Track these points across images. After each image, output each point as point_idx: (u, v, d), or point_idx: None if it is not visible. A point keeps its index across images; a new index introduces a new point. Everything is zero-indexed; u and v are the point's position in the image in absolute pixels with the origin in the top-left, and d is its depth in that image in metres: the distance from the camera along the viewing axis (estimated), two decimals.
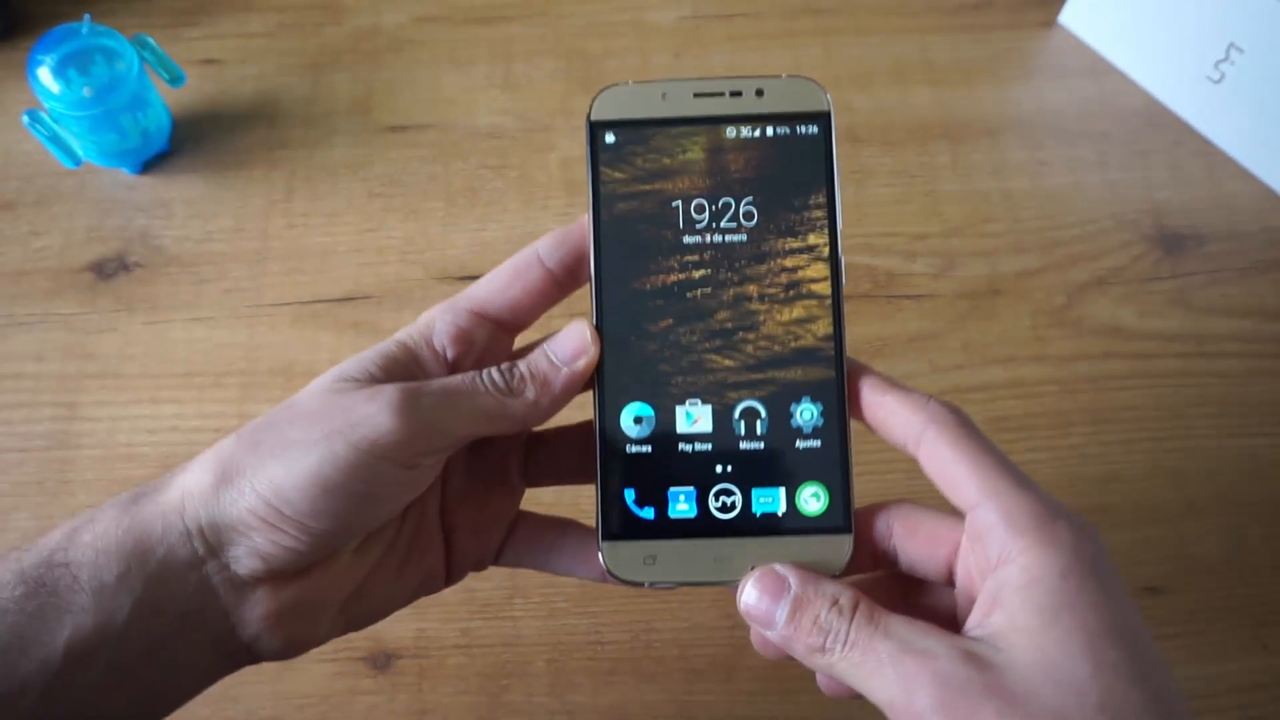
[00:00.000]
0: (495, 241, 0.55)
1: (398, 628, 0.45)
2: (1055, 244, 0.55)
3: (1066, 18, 0.62)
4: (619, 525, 0.30)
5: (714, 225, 0.31)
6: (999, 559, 0.26)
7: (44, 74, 0.51)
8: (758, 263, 0.31)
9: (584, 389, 0.31)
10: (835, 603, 0.27)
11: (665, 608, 0.46)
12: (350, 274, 0.54)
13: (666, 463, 0.30)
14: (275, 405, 0.28)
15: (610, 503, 0.30)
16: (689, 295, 0.31)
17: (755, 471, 0.30)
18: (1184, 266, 0.55)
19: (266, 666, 0.44)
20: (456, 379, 0.29)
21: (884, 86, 0.60)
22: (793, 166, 0.31)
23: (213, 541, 0.28)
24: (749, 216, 0.31)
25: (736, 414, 0.30)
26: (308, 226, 0.55)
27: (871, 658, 0.25)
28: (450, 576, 0.33)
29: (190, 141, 0.58)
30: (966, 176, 0.57)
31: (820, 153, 0.31)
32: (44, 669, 0.26)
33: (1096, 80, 0.61)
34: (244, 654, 0.29)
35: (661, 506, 0.30)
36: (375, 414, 0.27)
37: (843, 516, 0.30)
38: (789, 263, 0.31)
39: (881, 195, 0.57)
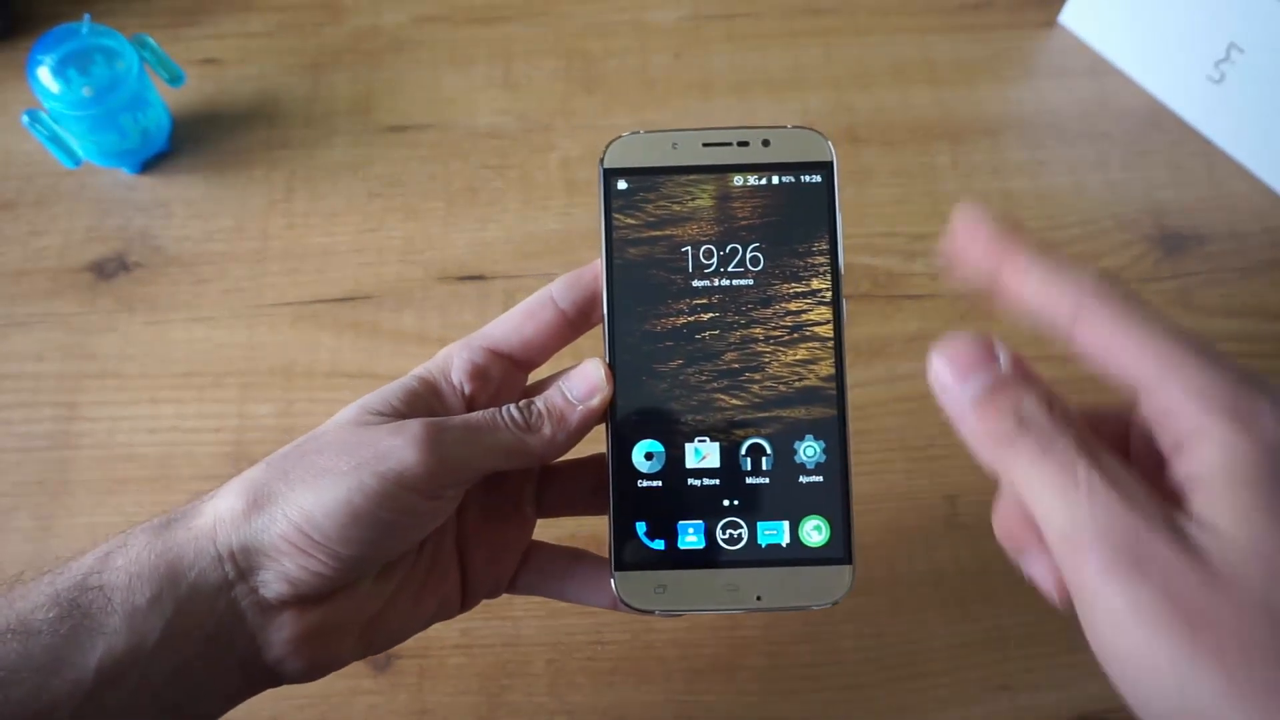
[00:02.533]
0: (495, 241, 0.55)
1: None
2: (1056, 244, 0.55)
3: (1066, 18, 0.62)
4: (631, 556, 0.31)
5: (721, 270, 0.32)
6: (1190, 440, 0.22)
7: (44, 74, 0.51)
8: (763, 306, 0.32)
9: (598, 423, 0.32)
10: (1045, 399, 0.24)
11: None
12: (350, 274, 0.54)
13: (676, 497, 0.31)
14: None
15: (622, 535, 0.31)
16: (698, 337, 0.32)
17: (761, 505, 0.31)
18: (1184, 266, 0.55)
19: None
20: (477, 416, 0.30)
21: (884, 86, 0.60)
22: (797, 214, 0.32)
23: (243, 566, 0.28)
24: (755, 262, 0.32)
25: (743, 451, 0.32)
26: (308, 226, 0.55)
27: (1067, 477, 0.22)
28: (465, 603, 0.34)
29: (190, 141, 0.58)
30: (966, 176, 0.57)
31: (824, 200, 0.32)
32: (75, 689, 0.26)
33: (1096, 80, 0.61)
34: (268, 676, 0.30)
35: (671, 538, 0.31)
36: (401, 448, 0.28)
37: (843, 548, 0.31)
38: (793, 306, 0.32)
39: (881, 195, 0.57)
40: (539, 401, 0.31)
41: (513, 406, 0.31)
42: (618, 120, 0.59)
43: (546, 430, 0.30)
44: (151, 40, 0.55)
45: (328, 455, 0.29)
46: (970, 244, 0.26)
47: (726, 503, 0.31)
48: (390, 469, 0.28)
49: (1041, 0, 0.63)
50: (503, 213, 0.56)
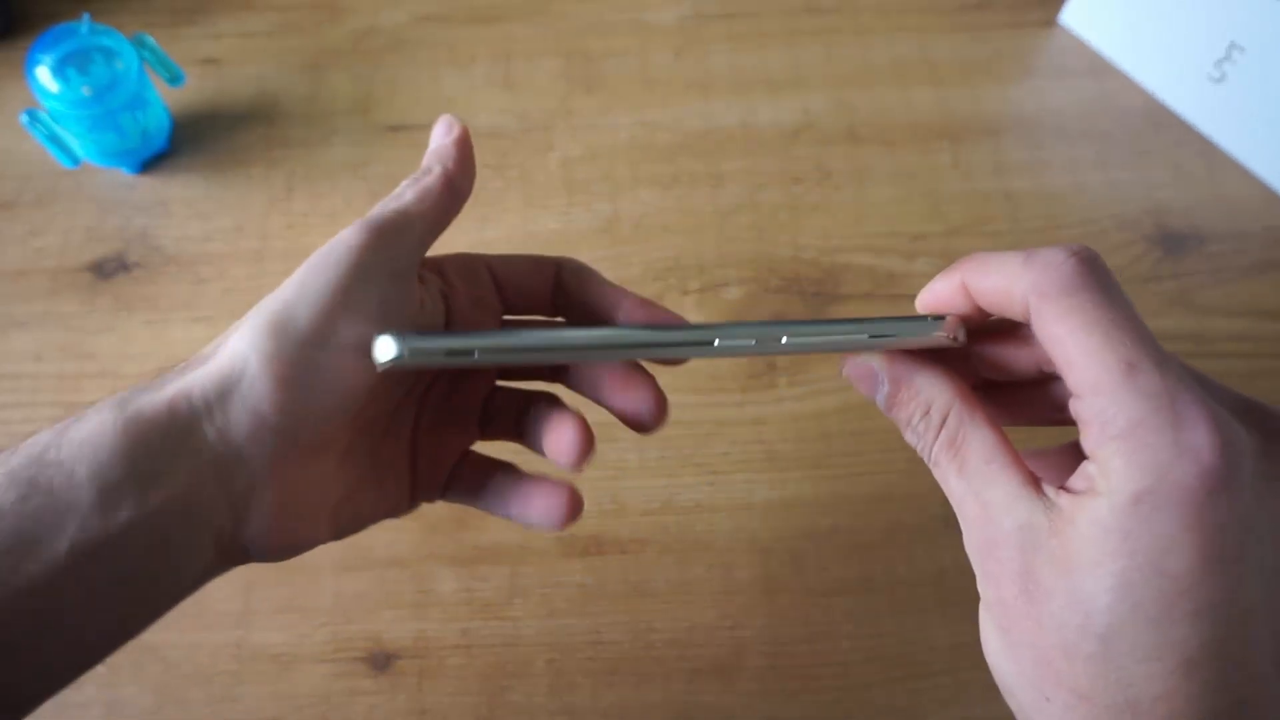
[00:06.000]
0: (495, 241, 0.55)
1: (397, 628, 0.45)
2: (1055, 244, 0.55)
3: (1067, 17, 0.62)
4: None
5: None
6: (1091, 454, 0.23)
7: (43, 73, 0.51)
8: None
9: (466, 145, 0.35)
10: (926, 412, 0.27)
11: (665, 607, 0.46)
12: None
13: None
14: None
15: None
16: None
17: None
18: (1185, 266, 0.55)
19: (267, 667, 0.44)
20: (395, 205, 0.32)
21: (884, 86, 0.60)
22: None
23: (219, 414, 0.27)
24: None
25: None
26: (308, 226, 0.55)
27: (947, 483, 0.26)
28: (412, 499, 0.34)
29: (190, 141, 0.58)
30: (967, 176, 0.57)
31: None
32: (49, 570, 0.25)
33: (1097, 80, 0.61)
34: (240, 553, 0.29)
35: None
36: (347, 233, 0.30)
37: None
38: None
39: (881, 195, 0.57)
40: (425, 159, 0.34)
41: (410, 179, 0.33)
42: (618, 120, 0.59)
43: (437, 169, 0.33)
44: (151, 40, 0.54)
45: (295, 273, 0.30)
46: (939, 298, 0.28)
47: None
48: (337, 250, 0.29)
49: (1041, 0, 0.63)
50: (503, 213, 0.56)
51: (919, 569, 0.46)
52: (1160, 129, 0.59)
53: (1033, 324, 0.25)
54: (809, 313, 0.53)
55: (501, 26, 0.62)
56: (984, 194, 0.57)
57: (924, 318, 0.27)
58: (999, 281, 0.25)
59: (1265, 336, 0.53)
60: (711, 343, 0.27)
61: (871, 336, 0.27)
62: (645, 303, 0.33)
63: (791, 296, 0.53)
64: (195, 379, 0.28)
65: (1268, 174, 0.57)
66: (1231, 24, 0.54)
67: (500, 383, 0.35)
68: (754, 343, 0.27)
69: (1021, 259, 0.25)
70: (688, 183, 0.57)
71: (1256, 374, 0.51)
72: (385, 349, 0.27)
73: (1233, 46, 0.55)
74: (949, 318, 0.26)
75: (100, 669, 0.43)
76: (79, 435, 0.27)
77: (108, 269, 0.54)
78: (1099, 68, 0.61)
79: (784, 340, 0.27)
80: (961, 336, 0.26)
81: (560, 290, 0.34)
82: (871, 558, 0.47)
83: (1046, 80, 0.61)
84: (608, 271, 0.53)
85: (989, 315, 0.27)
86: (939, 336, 0.26)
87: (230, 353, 0.28)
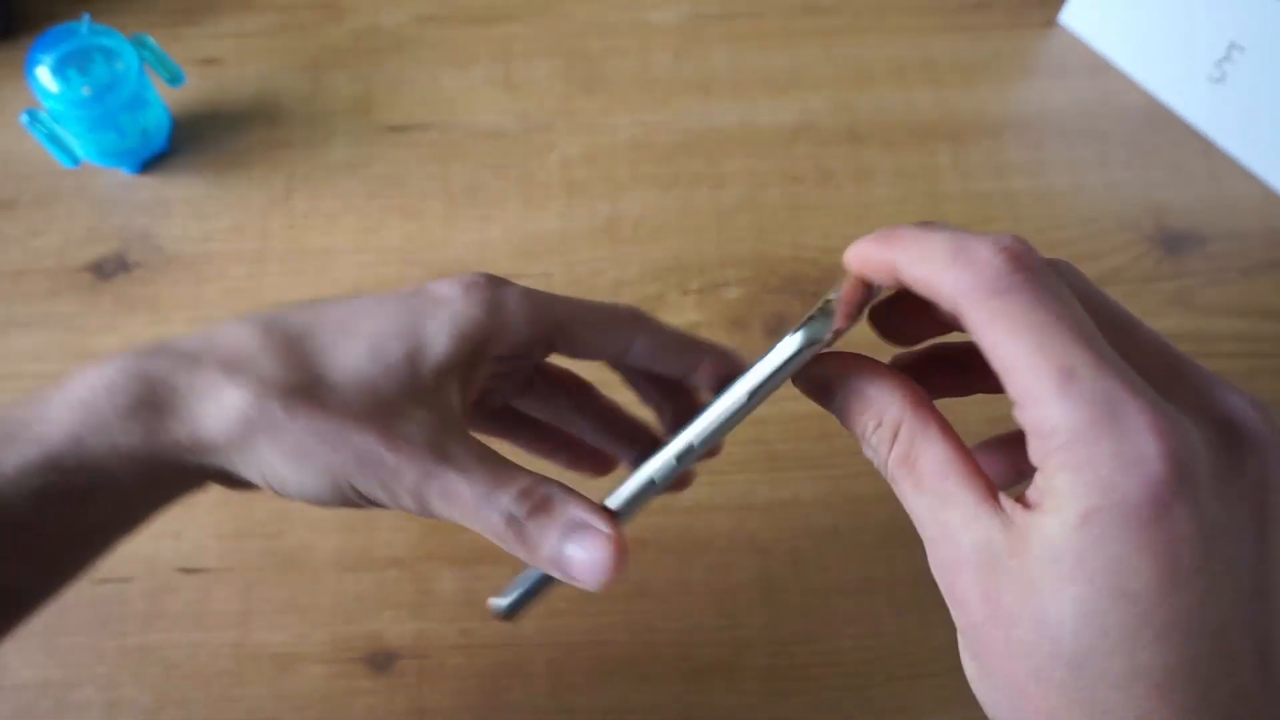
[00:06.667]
0: (495, 241, 0.55)
1: (398, 628, 0.45)
2: (1056, 244, 0.55)
3: (1067, 18, 0.62)
4: None
5: None
6: (1037, 466, 0.22)
7: (43, 73, 0.51)
8: None
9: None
10: (879, 424, 0.25)
11: (665, 608, 0.46)
12: (350, 274, 0.54)
13: None
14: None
15: None
16: None
17: None
18: (1185, 267, 0.55)
19: (267, 667, 0.44)
20: (470, 492, 0.27)
21: (884, 86, 0.60)
22: None
23: (220, 464, 0.28)
24: None
25: None
26: (308, 226, 0.55)
27: (905, 500, 0.25)
28: None
29: (190, 141, 0.58)
30: (967, 176, 0.57)
31: None
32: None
33: (1096, 80, 0.61)
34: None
35: None
36: (380, 488, 0.27)
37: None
38: None
39: (881, 195, 0.57)
40: (531, 525, 0.28)
41: (513, 493, 0.27)
42: (618, 120, 0.59)
43: (520, 551, 0.27)
44: (151, 40, 0.54)
45: (314, 429, 0.26)
46: (865, 258, 0.26)
47: None
48: (360, 494, 0.27)
49: (1041, 0, 0.63)
50: (503, 213, 0.56)
51: (919, 569, 0.46)
52: (1160, 129, 0.59)
53: (965, 326, 0.23)
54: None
55: (501, 26, 0.62)
56: (984, 194, 0.57)
57: (804, 334, 0.25)
58: (927, 274, 0.23)
59: (1265, 336, 0.53)
60: (650, 486, 0.28)
61: (750, 395, 0.26)
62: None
63: (791, 296, 0.53)
64: (206, 439, 0.27)
65: (1268, 174, 0.57)
66: (1231, 24, 0.54)
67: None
68: (677, 463, 0.28)
69: (949, 253, 0.23)
70: (688, 183, 0.57)
71: (1257, 374, 0.51)
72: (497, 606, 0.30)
73: (1233, 46, 0.55)
74: (835, 317, 0.25)
75: (100, 669, 0.43)
76: (97, 447, 0.27)
77: (108, 269, 0.54)
78: (1099, 68, 0.61)
79: (696, 445, 0.27)
80: (845, 326, 0.25)
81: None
82: (871, 558, 0.47)
83: (1046, 80, 0.61)
84: (608, 271, 0.54)
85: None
86: (809, 353, 0.25)
87: (236, 433, 0.27)
